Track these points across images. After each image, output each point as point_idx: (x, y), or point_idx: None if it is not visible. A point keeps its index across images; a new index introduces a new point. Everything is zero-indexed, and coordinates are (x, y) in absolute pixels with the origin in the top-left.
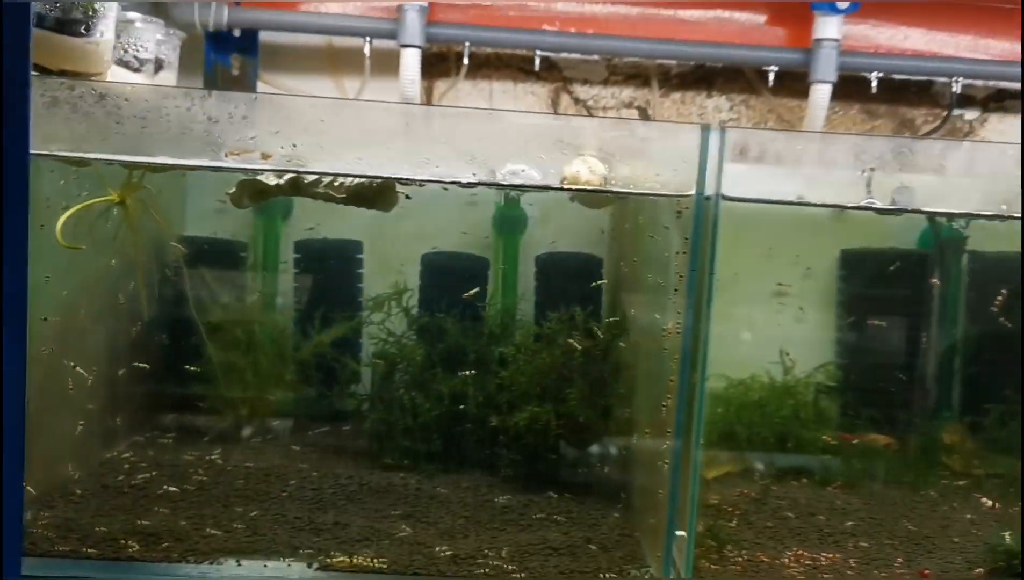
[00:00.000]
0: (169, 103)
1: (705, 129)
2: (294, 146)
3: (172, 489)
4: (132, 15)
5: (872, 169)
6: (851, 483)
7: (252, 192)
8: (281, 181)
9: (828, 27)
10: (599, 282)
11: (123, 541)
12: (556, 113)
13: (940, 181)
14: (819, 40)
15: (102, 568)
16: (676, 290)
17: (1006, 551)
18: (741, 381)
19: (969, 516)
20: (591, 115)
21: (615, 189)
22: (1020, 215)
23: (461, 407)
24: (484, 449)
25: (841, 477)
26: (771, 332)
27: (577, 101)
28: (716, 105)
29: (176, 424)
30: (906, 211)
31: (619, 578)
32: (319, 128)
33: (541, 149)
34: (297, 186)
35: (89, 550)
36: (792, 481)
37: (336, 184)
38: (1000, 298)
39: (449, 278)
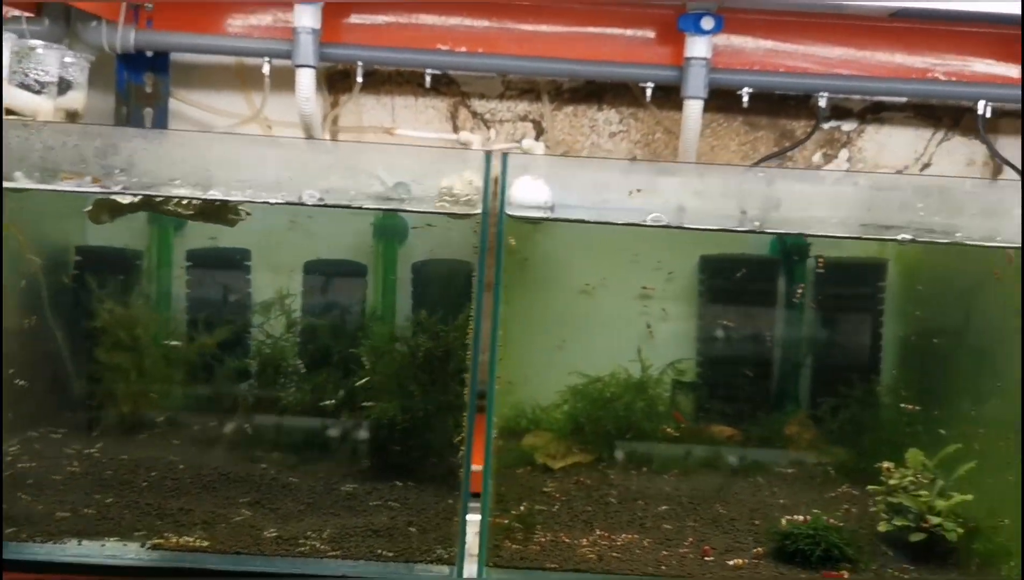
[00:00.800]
0: (11, 133)
1: (487, 154)
2: (120, 171)
3: (47, 478)
4: (34, 42)
5: (639, 190)
6: (687, 472)
7: (108, 209)
8: (135, 200)
9: (697, 47)
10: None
11: None
12: (455, 131)
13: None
14: (689, 58)
15: None
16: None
17: (780, 532)
18: (599, 378)
19: (782, 501)
20: (488, 128)
21: (404, 208)
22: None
23: (323, 403)
24: (342, 442)
25: (679, 466)
26: (634, 331)
27: (475, 115)
28: (607, 118)
29: (70, 421)
30: (670, 227)
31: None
32: (140, 156)
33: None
34: (150, 204)
35: None
36: (633, 470)
37: (184, 203)
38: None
39: (328, 283)
